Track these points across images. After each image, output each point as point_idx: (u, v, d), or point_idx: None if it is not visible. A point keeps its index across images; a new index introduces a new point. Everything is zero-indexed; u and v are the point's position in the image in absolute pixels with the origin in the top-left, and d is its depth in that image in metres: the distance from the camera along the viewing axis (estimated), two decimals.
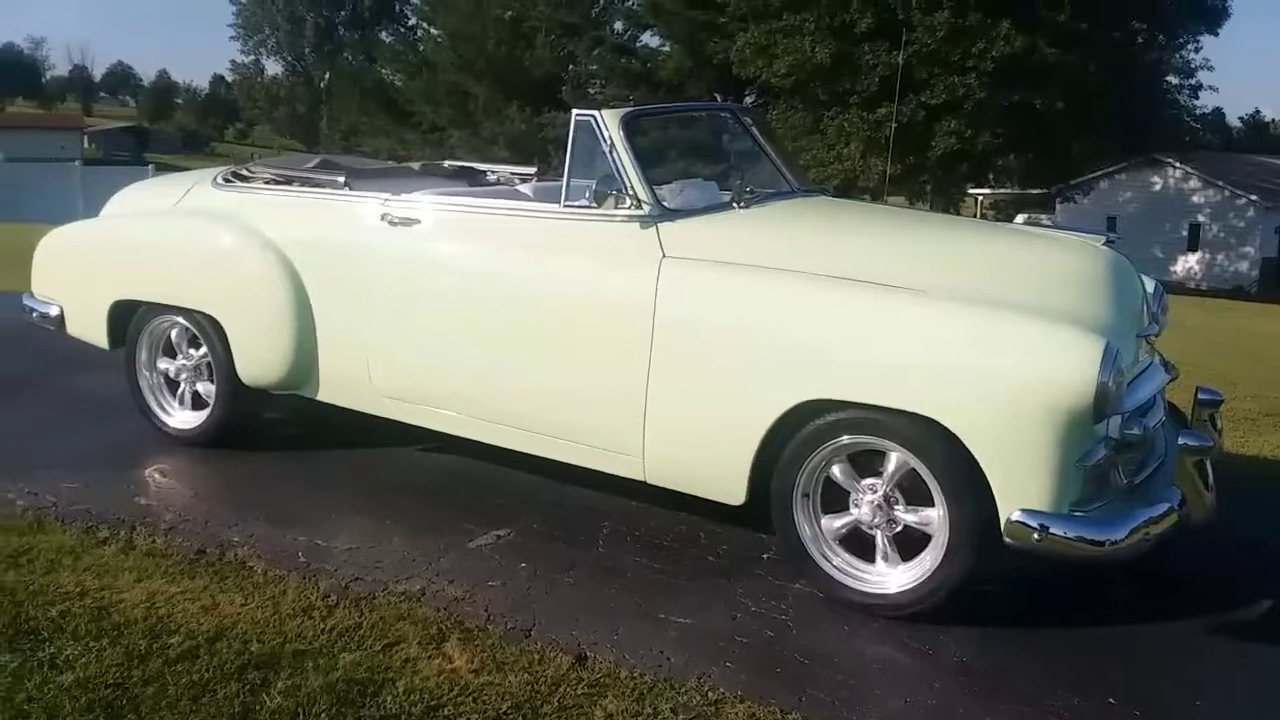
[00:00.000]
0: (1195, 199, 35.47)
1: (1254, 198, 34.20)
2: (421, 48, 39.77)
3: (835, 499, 3.36)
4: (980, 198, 34.29)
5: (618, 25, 34.85)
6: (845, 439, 3.24)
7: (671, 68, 29.42)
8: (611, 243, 3.65)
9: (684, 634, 3.14)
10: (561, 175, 3.83)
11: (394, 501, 4.13)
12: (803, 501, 3.35)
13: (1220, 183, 34.92)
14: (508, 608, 3.25)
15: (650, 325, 3.46)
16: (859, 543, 3.35)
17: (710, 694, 2.81)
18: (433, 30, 39.33)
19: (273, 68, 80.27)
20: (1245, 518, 3.85)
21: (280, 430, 5.01)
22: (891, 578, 3.27)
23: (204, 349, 4.56)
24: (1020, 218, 4.29)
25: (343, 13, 75.13)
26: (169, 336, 4.70)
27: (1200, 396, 3.67)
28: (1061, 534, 2.92)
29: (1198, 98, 28.25)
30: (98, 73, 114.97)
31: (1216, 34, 26.92)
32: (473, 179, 5.27)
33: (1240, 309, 22.41)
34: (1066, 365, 2.88)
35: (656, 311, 3.46)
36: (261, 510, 3.97)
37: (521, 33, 33.99)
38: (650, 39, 32.91)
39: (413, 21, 51.71)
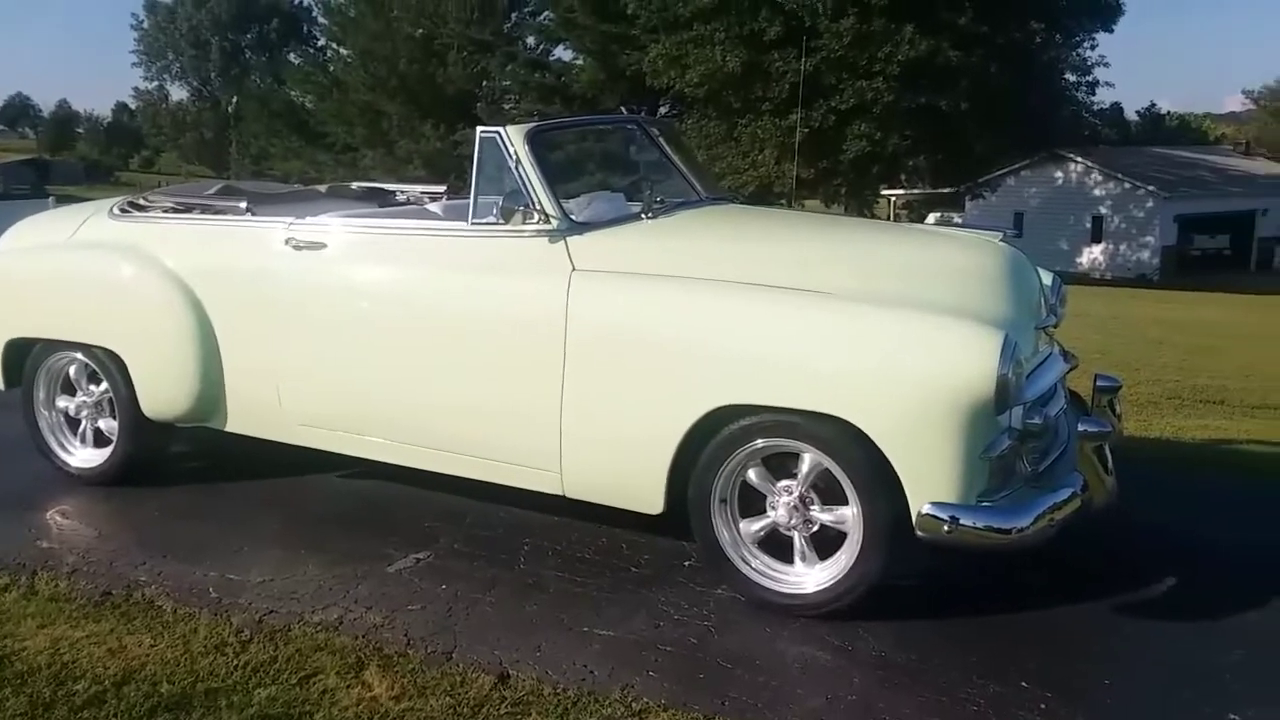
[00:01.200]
0: (1097, 192, 36.70)
1: (1152, 188, 35.50)
2: (331, 68, 39.30)
3: (752, 503, 3.38)
4: (893, 198, 34.94)
5: (530, 40, 34.92)
6: (759, 442, 3.27)
7: (585, 81, 29.53)
8: (521, 258, 3.64)
9: (607, 646, 3.13)
10: (470, 193, 3.81)
11: (309, 531, 4.05)
12: (720, 507, 3.37)
13: (1120, 175, 36.17)
14: (428, 631, 3.21)
15: (562, 339, 3.45)
16: (777, 545, 3.38)
17: (634, 705, 2.81)
18: (342, 50, 38.91)
19: (178, 93, 78.67)
20: (1147, 500, 3.97)
21: (188, 464, 4.87)
22: (809, 577, 3.30)
23: (105, 384, 4.43)
24: (932, 217, 4.38)
25: (249, 35, 73.91)
26: (68, 373, 4.56)
27: (1099, 383, 3.79)
28: (970, 524, 2.98)
29: (1095, 93, 29.30)
30: None
31: (1112, 31, 27.95)
32: (381, 200, 5.21)
33: (1143, 296, 23.19)
34: (967, 359, 2.95)
35: (568, 325, 3.45)
36: (170, 547, 3.86)
37: (433, 50, 33.80)
38: (563, 53, 33.03)
39: (321, 42, 51.04)
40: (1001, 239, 3.65)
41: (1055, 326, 3.81)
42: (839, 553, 3.24)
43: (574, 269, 3.53)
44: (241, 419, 4.26)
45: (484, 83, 34.08)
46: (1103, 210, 36.56)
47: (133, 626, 3.23)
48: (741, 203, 6.11)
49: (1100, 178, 36.41)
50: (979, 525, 2.99)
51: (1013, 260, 3.53)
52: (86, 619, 3.28)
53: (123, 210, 4.64)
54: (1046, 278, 3.86)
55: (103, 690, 2.85)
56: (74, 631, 3.19)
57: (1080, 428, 3.42)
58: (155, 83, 78.89)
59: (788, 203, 24.96)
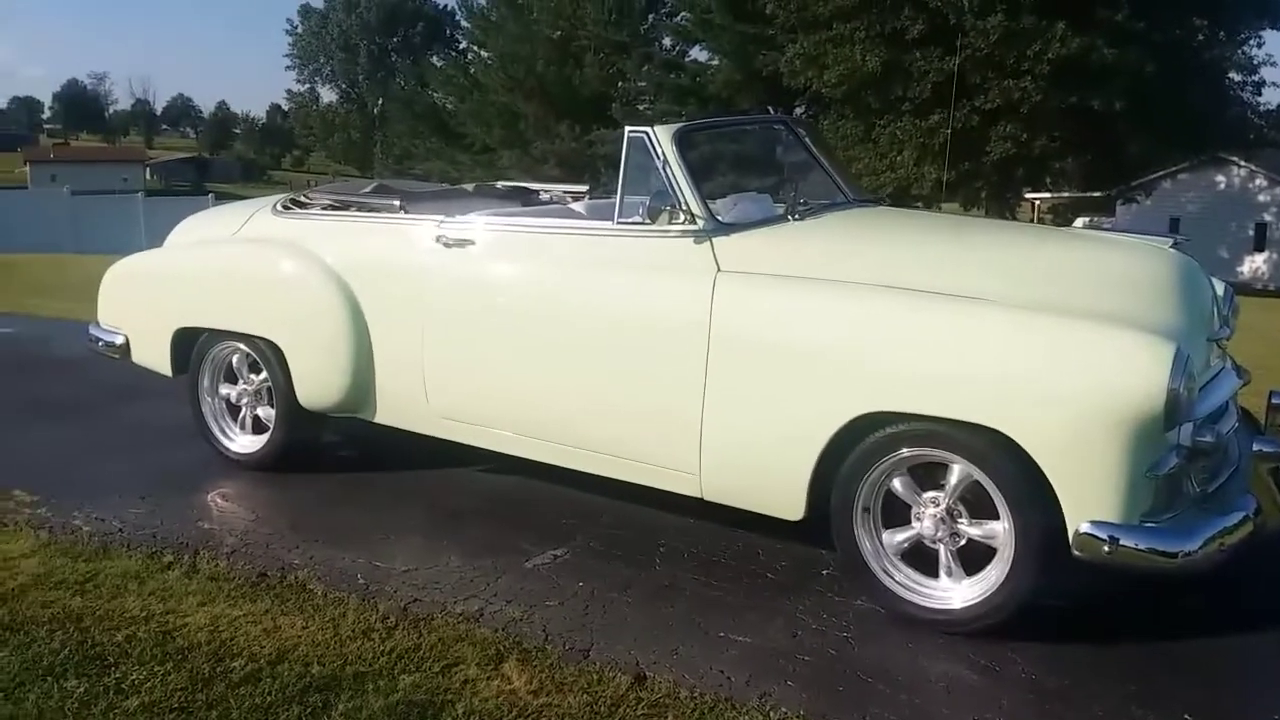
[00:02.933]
0: (1261, 197, 34.55)
1: None
2: (472, 70, 40.25)
3: (896, 513, 3.29)
4: (1037, 202, 33.72)
5: (666, 41, 35.03)
6: (906, 451, 3.18)
7: (721, 81, 29.43)
8: (666, 258, 3.64)
9: (744, 652, 3.10)
10: (614, 193, 3.83)
11: (451, 522, 4.14)
12: (863, 516, 3.30)
13: None
14: (565, 627, 3.24)
15: (706, 340, 3.43)
16: (921, 557, 3.28)
17: (772, 714, 2.76)
18: (483, 53, 39.81)
19: (327, 95, 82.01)
20: None
21: (339, 453, 5.06)
22: (956, 593, 3.20)
23: (264, 374, 4.63)
24: (1079, 221, 4.20)
25: (395, 39, 76.45)
26: (230, 362, 4.78)
27: (1274, 401, 3.53)
28: (1133, 545, 2.83)
29: (1261, 94, 27.54)
30: (159, 106, 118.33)
31: (1279, 28, 26.26)
32: (526, 199, 5.30)
33: None
34: (1136, 372, 2.80)
35: (712, 326, 3.43)
36: (321, 533, 4.00)
37: (570, 52, 34.27)
38: (699, 54, 33.00)
39: (463, 45, 52.44)
40: (1173, 246, 3.46)
41: (1227, 339, 3.59)
42: (988, 568, 3.13)
43: (719, 270, 3.51)
44: (389, 411, 4.39)
45: (619, 84, 34.38)
46: (1267, 217, 34.42)
47: (286, 608, 3.36)
48: (888, 205, 5.97)
49: (1265, 183, 34.29)
50: (1142, 547, 2.84)
51: (1185, 269, 3.34)
52: (244, 598, 3.43)
53: (285, 207, 4.84)
54: (1218, 287, 3.65)
55: (258, 668, 2.97)
56: (232, 610, 3.34)
57: (1255, 447, 3.21)
58: (307, 85, 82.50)
59: (926, 206, 24.37)
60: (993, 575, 3.11)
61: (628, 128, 3.79)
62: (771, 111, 5.89)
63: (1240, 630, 3.25)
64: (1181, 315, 3.15)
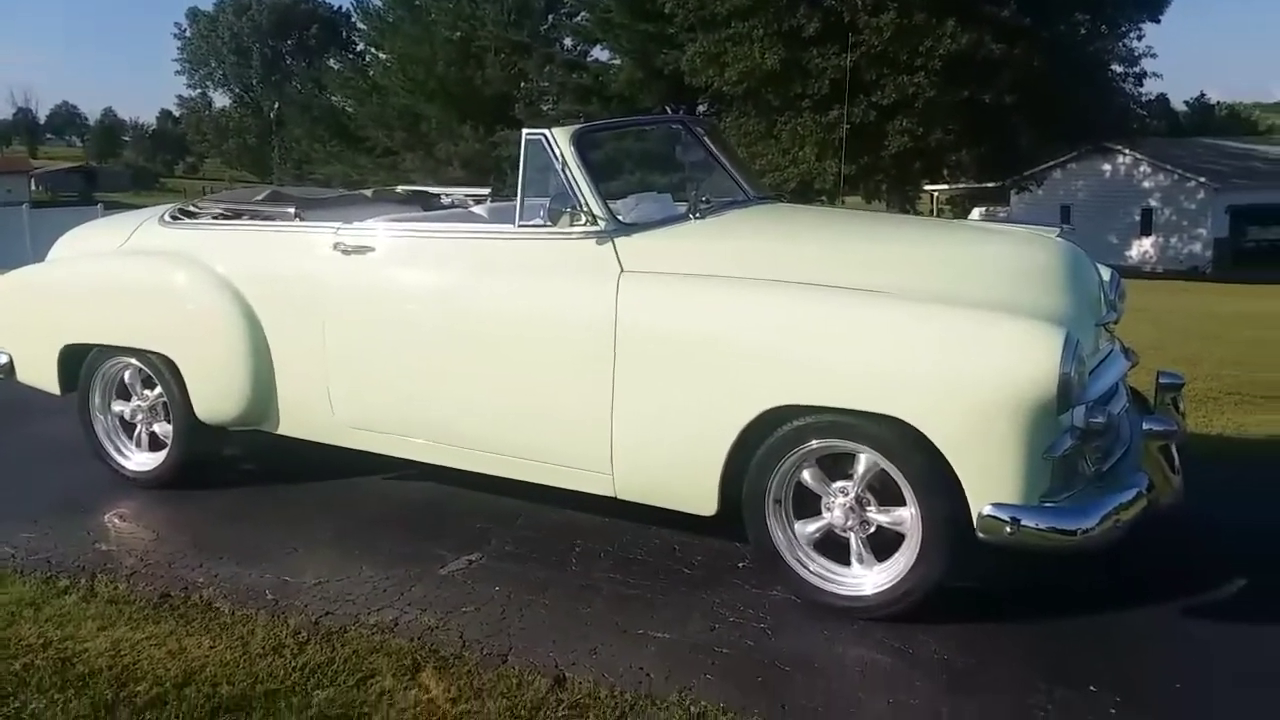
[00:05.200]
0: (1146, 184, 36.08)
1: (1203, 179, 34.83)
2: (370, 73, 39.62)
3: (807, 504, 3.34)
4: (936, 194, 34.62)
5: (567, 41, 34.95)
6: (814, 443, 3.22)
7: (623, 81, 29.50)
8: (568, 260, 3.63)
9: (663, 648, 3.11)
10: (515, 195, 3.81)
11: (362, 533, 4.06)
12: (775, 508, 3.33)
13: (1169, 166, 35.53)
14: (482, 633, 3.21)
15: (612, 341, 3.43)
16: (833, 546, 3.33)
17: (693, 708, 2.78)
18: (381, 55, 39.21)
19: (220, 100, 79.78)
20: (1212, 499, 3.86)
21: (241, 467, 4.93)
22: (867, 579, 3.26)
23: (159, 389, 4.48)
24: (976, 212, 4.34)
25: (289, 42, 74.80)
26: (122, 378, 4.62)
27: (1162, 380, 3.70)
28: (1033, 525, 2.91)
29: (1143, 85, 28.69)
30: (42, 114, 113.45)
31: (1159, 21, 27.38)
32: (426, 203, 5.23)
33: (1197, 290, 22.80)
34: (1028, 358, 2.88)
35: (618, 327, 3.43)
36: (226, 550, 3.89)
37: (471, 52, 33.95)
38: (601, 53, 33.02)
39: (360, 47, 51.52)
40: (1059, 235, 3.57)
41: (1115, 323, 3.73)
42: (897, 554, 3.19)
43: (623, 270, 3.51)
44: (293, 422, 4.29)
45: (522, 84, 34.16)
46: (1152, 203, 35.95)
47: (191, 628, 3.26)
48: (788, 201, 6.05)
49: (1149, 170, 35.81)
50: (1042, 526, 2.92)
51: (1072, 256, 3.45)
52: (146, 621, 3.31)
53: (173, 217, 4.69)
54: (1105, 273, 3.78)
55: (164, 692, 2.87)
56: (134, 633, 3.22)
57: (1145, 426, 3.34)
58: (198, 90, 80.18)
59: (829, 200, 24.80)
60: (902, 561, 3.17)
61: (525, 131, 3.76)
62: (671, 111, 5.92)
63: (1138, 604, 3.37)
64: (1070, 302, 3.26)
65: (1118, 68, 27.94)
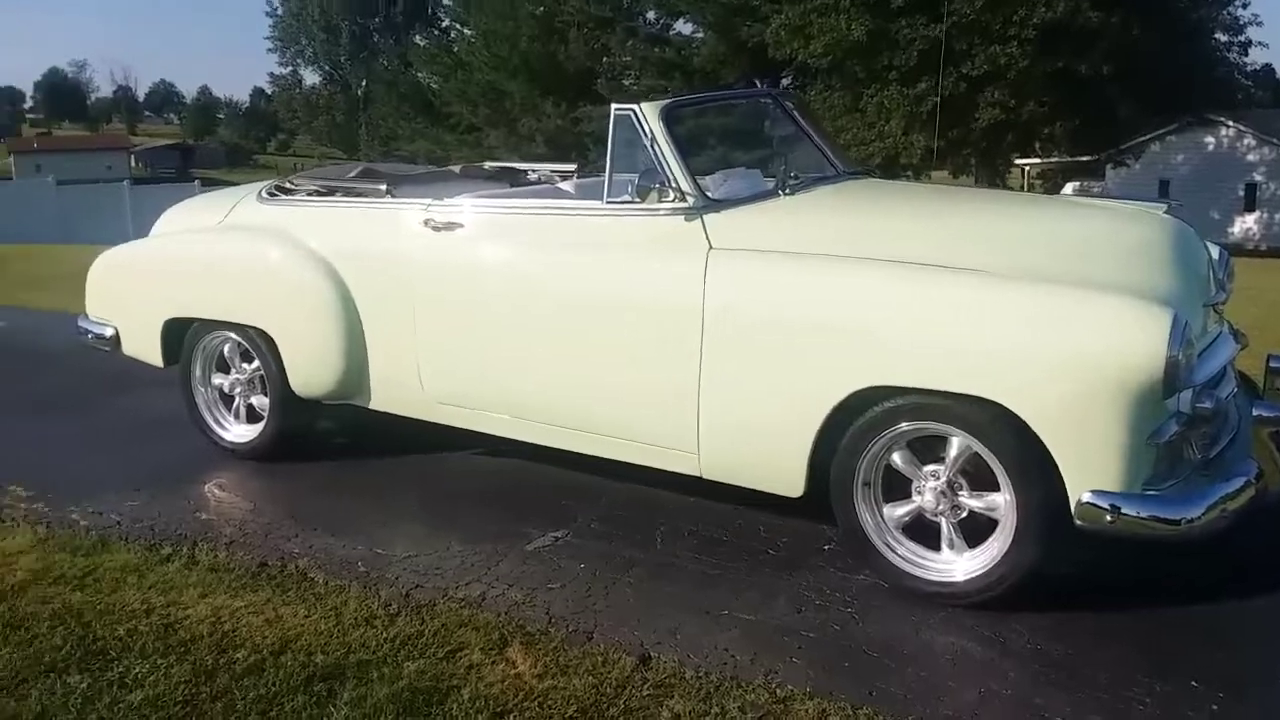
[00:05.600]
0: (1250, 158, 34.52)
1: None
2: (455, 49, 39.89)
3: (897, 487, 3.29)
4: (1027, 168, 33.67)
5: (650, 15, 34.71)
6: (905, 425, 3.16)
7: (706, 54, 29.23)
8: (657, 237, 3.61)
9: (747, 630, 3.09)
10: (602, 171, 3.79)
11: (451, 507, 4.12)
12: (864, 490, 3.29)
13: (1275, 140, 33.94)
14: (568, 610, 3.23)
15: (700, 318, 3.41)
16: (923, 530, 3.27)
17: (778, 691, 2.76)
18: (465, 30, 39.47)
19: (310, 78, 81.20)
20: None
21: (335, 440, 5.04)
22: (958, 565, 3.19)
23: (256, 363, 4.60)
24: (1069, 186, 4.20)
25: (377, 19, 75.67)
26: (222, 352, 4.74)
27: (1272, 364, 3.54)
28: (1135, 514, 2.83)
29: (1247, 54, 27.53)
30: (141, 92, 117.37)
31: None
32: (514, 179, 5.25)
33: None
34: (1134, 340, 2.78)
35: (705, 304, 3.40)
36: (320, 521, 3.98)
37: (554, 28, 33.95)
38: (684, 27, 32.75)
39: (446, 23, 51.91)
40: (1166, 211, 3.44)
41: (1224, 303, 3.58)
42: (990, 540, 3.12)
43: (711, 247, 3.48)
44: (383, 397, 4.36)
45: (604, 59, 34.09)
46: (1257, 177, 34.41)
47: (287, 598, 3.35)
48: (877, 176, 5.94)
49: (1254, 142, 34.25)
50: (1144, 515, 2.83)
51: (1180, 233, 3.32)
52: (244, 589, 3.41)
53: (270, 194, 4.79)
54: (1214, 251, 3.63)
55: (261, 659, 2.96)
56: (233, 601, 3.32)
57: (1254, 412, 3.21)
58: (289, 68, 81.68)
59: (915, 175, 24.31)
60: (995, 547, 3.10)
61: (614, 106, 3.74)
62: (758, 85, 5.84)
63: (1244, 595, 3.25)
64: (1178, 281, 3.13)
65: (1221, 36, 26.86)
